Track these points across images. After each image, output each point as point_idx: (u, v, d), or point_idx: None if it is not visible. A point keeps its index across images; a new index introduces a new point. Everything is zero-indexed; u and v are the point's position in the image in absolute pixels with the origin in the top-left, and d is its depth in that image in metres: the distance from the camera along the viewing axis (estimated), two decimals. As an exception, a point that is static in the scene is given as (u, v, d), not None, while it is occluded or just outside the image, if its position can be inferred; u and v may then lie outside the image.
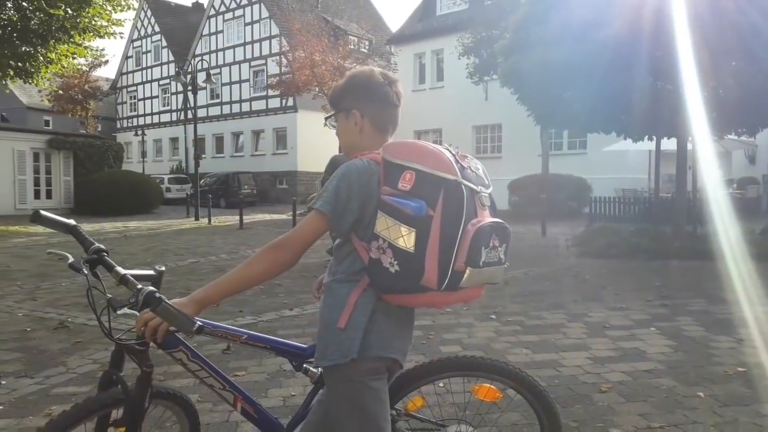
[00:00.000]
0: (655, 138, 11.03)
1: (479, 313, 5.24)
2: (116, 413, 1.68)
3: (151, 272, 1.75)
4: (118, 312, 1.60)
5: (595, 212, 13.77)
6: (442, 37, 23.19)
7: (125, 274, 1.64)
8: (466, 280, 1.45)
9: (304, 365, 1.81)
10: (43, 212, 1.75)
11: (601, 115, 9.30)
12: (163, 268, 1.82)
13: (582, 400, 3.24)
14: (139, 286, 1.60)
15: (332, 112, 1.76)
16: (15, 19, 14.05)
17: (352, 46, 27.43)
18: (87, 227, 14.43)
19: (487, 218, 1.50)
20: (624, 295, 6.08)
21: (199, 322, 1.48)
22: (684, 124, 8.69)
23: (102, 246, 1.73)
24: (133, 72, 40.31)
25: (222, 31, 34.61)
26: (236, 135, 34.35)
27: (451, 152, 1.51)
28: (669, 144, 11.31)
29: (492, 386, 1.85)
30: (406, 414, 1.88)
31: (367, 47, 29.39)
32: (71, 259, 1.70)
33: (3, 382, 3.57)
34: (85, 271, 1.65)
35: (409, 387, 1.85)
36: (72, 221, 1.78)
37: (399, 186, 1.46)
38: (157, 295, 1.53)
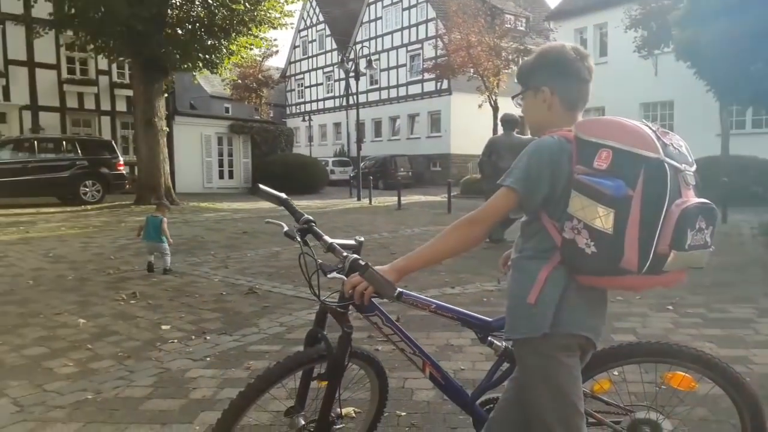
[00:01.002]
0: None
1: (654, 303, 4.95)
2: (319, 368, 1.87)
3: (353, 242, 1.91)
4: (328, 276, 1.76)
5: (788, 199, 12.17)
6: (606, 10, 21.76)
7: (332, 243, 1.81)
8: (671, 264, 1.40)
9: (489, 338, 1.86)
10: (261, 186, 1.99)
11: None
12: (363, 239, 1.96)
13: (777, 401, 2.96)
14: (345, 254, 1.75)
15: (520, 90, 1.73)
16: (202, 15, 15.75)
17: (508, 25, 26.75)
18: (263, 205, 15.86)
19: (692, 199, 1.43)
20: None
21: (399, 289, 1.61)
22: None
23: (311, 217, 1.92)
24: (300, 60, 43.06)
25: (381, 18, 35.61)
26: (393, 119, 35.32)
27: (651, 128, 1.45)
28: None
29: (687, 375, 1.78)
30: (591, 395, 1.86)
31: (524, 25, 28.47)
32: (286, 228, 1.89)
33: (207, 338, 4.12)
34: (298, 239, 1.84)
35: (598, 368, 1.82)
36: (284, 195, 1.99)
37: (594, 165, 1.43)
38: (362, 262, 1.66)
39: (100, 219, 12.27)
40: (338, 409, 1.93)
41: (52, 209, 14.27)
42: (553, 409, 1.55)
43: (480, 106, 25.23)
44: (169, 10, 15.32)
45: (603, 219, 1.39)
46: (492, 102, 24.38)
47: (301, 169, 22.08)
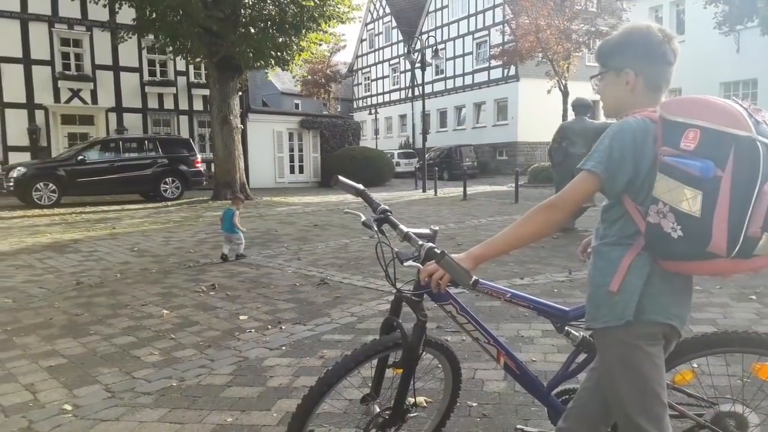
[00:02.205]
0: None
1: (736, 293, 4.69)
2: (394, 356, 1.90)
3: (428, 231, 1.93)
4: (404, 264, 1.79)
5: None
6: (685, -15, 20.60)
7: (408, 232, 1.83)
8: (762, 247, 1.34)
9: (566, 328, 1.83)
10: (340, 177, 2.04)
11: None
12: (437, 228, 1.97)
13: None
14: (421, 242, 1.77)
15: (599, 71, 1.66)
16: (274, 13, 16.14)
17: (579, 7, 25.79)
18: (333, 198, 16.15)
19: None
20: None
21: (475, 277, 1.60)
22: None
23: (387, 207, 1.96)
24: (366, 54, 43.38)
25: (447, 6, 35.27)
26: (458, 109, 34.98)
27: (742, 106, 1.38)
28: None
29: None
30: (672, 387, 1.81)
31: (595, 5, 27.37)
32: (363, 218, 1.93)
33: (283, 327, 4.26)
34: (375, 228, 1.87)
35: (680, 359, 1.77)
36: (361, 186, 2.04)
37: (681, 146, 1.39)
38: (438, 250, 1.66)
39: (180, 215, 12.88)
40: (412, 398, 1.96)
41: (135, 206, 15.11)
42: (634, 399, 1.51)
43: (549, 91, 24.54)
44: (242, 10, 15.82)
45: (690, 201, 1.35)
46: (562, 87, 23.66)
47: (368, 162, 22.28)
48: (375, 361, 1.90)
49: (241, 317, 4.56)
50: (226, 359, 3.62)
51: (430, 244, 1.74)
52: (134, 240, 8.87)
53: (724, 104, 1.39)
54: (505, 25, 27.37)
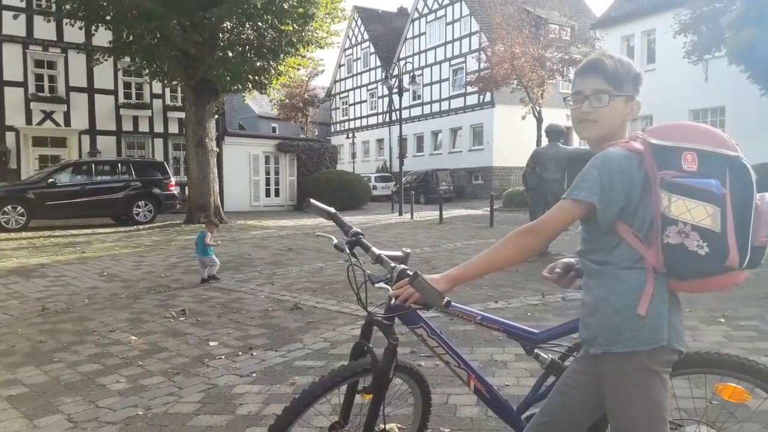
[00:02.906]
0: None
1: (705, 316, 4.76)
2: (363, 381, 1.87)
3: (399, 253, 1.94)
4: (375, 285, 1.78)
5: None
6: (654, 15, 21.29)
7: (380, 254, 1.85)
8: None
9: (536, 350, 1.83)
10: (312, 200, 2.07)
11: None
12: (409, 251, 1.98)
13: None
14: (393, 264, 1.79)
15: (611, 93, 1.58)
16: (252, 38, 16.20)
17: (553, 35, 26.45)
18: (308, 222, 16.08)
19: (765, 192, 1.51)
20: None
21: (447, 298, 1.59)
22: None
23: (359, 230, 1.97)
24: (345, 79, 43.74)
25: (424, 33, 35.89)
26: (435, 133, 35.37)
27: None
28: None
29: (739, 386, 1.72)
30: None
31: (569, 34, 28.10)
32: (336, 241, 1.94)
33: (254, 353, 4.18)
34: (347, 251, 1.88)
35: None
36: (332, 209, 2.05)
37: (684, 167, 1.45)
38: (410, 271, 1.67)
39: (152, 238, 12.69)
40: (382, 425, 1.93)
41: (106, 230, 14.84)
42: (647, 426, 1.51)
43: (524, 117, 24.99)
44: (220, 34, 15.86)
45: (711, 218, 1.41)
46: (536, 113, 24.10)
47: (344, 186, 22.29)
48: (344, 388, 1.87)
49: (212, 343, 4.47)
50: (195, 386, 3.53)
51: (403, 266, 1.76)
52: (104, 264, 8.69)
53: (711, 128, 1.51)
54: (481, 52, 27.89)
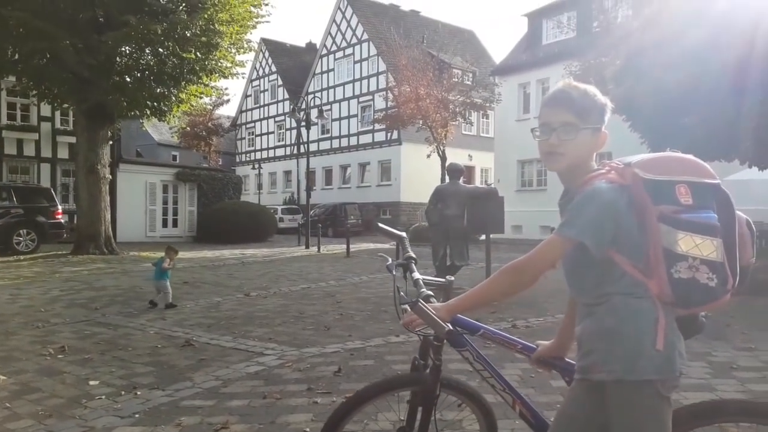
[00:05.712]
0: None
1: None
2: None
3: (442, 280, 2.09)
4: (401, 306, 1.90)
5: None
6: (548, 66, 22.90)
7: (418, 279, 1.99)
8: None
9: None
10: (380, 225, 2.27)
11: (722, 142, 8.70)
12: (453, 278, 2.13)
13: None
14: (422, 290, 1.91)
15: (578, 125, 1.58)
16: (152, 63, 15.64)
17: (456, 79, 27.67)
18: (208, 254, 15.52)
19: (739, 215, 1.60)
20: (753, 335, 5.60)
21: (449, 326, 1.67)
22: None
23: (413, 255, 2.08)
24: (251, 110, 43.20)
25: (333, 70, 36.34)
26: (344, 168, 35.64)
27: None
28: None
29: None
30: None
31: (470, 79, 29.52)
32: (389, 261, 2.10)
33: (138, 393, 3.92)
34: (394, 273, 2.02)
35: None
36: (403, 233, 2.25)
37: (681, 201, 1.49)
38: (418, 299, 1.76)
39: (33, 270, 11.71)
40: None
41: (-19, 259, 13.54)
42: None
43: (429, 156, 25.78)
44: (117, 58, 15.17)
45: (717, 251, 1.48)
46: (440, 152, 24.95)
47: (249, 217, 21.79)
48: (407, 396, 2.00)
49: (92, 382, 4.15)
50: (70, 429, 3.27)
51: (428, 293, 1.88)
52: (-27, 298, 7.89)
53: (693, 158, 1.56)
54: (388, 91, 28.60)
